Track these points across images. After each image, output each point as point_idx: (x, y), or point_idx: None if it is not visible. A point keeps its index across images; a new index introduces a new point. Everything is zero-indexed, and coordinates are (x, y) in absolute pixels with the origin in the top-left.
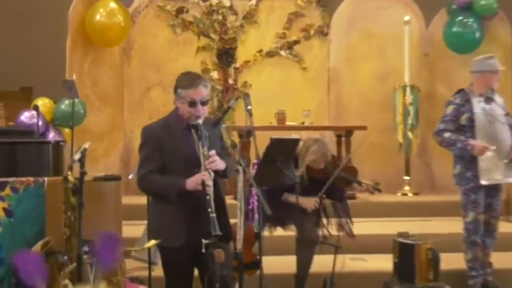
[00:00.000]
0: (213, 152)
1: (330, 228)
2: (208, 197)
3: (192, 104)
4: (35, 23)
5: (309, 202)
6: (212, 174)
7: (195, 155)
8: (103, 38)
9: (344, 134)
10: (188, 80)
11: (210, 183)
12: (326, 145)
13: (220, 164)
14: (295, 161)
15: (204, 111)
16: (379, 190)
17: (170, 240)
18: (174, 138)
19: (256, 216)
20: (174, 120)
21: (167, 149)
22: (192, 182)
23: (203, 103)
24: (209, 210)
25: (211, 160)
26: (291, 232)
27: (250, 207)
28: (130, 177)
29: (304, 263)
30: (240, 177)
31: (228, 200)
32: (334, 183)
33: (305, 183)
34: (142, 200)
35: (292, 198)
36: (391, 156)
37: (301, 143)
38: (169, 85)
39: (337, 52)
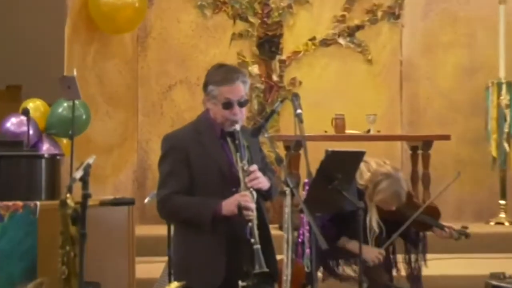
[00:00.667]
0: (254, 167)
1: (400, 267)
2: (250, 223)
3: (227, 105)
4: (25, 5)
5: (371, 254)
6: (255, 194)
7: (233, 170)
8: (111, 23)
9: (421, 145)
10: (222, 74)
11: (252, 205)
12: (399, 181)
13: (264, 182)
14: (359, 196)
15: (242, 115)
16: (467, 236)
17: (203, 279)
18: (205, 149)
19: (308, 251)
20: (205, 126)
21: (197, 163)
22: (230, 205)
23: (241, 104)
24: (252, 240)
25: (253, 176)
26: (351, 271)
27: (299, 239)
28: (146, 201)
29: None
30: (287, 200)
31: (272, 230)
32: (409, 227)
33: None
34: (161, 230)
35: (350, 245)
36: (482, 174)
37: (367, 174)
38: (196, 83)
39: (412, 40)
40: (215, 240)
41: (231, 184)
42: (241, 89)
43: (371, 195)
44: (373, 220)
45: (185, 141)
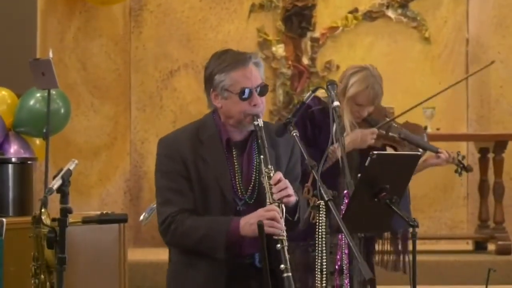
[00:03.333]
0: (279, 174)
1: None
2: (279, 245)
3: (245, 95)
4: None
5: (364, 136)
6: (284, 209)
7: (236, 193)
8: None
9: (493, 147)
10: (230, 58)
11: (282, 222)
12: (376, 77)
13: (294, 196)
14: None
15: (263, 106)
16: (467, 169)
17: None
18: (207, 166)
19: (347, 282)
20: (209, 134)
21: (196, 182)
22: (252, 223)
23: (262, 91)
24: (282, 266)
25: (283, 185)
26: None
27: (336, 266)
28: (141, 218)
29: None
30: (321, 218)
31: None
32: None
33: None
34: (160, 254)
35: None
36: None
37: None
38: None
39: (482, 13)
40: (215, 269)
41: (232, 210)
42: (256, 72)
43: (343, 92)
44: (345, 120)
45: (184, 150)
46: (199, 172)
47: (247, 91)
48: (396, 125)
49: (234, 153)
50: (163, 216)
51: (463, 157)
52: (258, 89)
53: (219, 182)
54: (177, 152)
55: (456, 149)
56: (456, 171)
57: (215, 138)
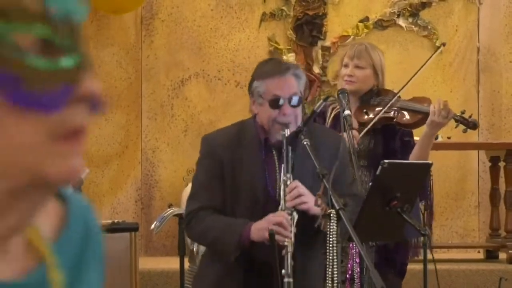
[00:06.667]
0: (295, 183)
1: None
2: (283, 251)
3: (275, 103)
4: None
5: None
6: (296, 216)
7: (270, 196)
8: (109, 0)
9: (504, 155)
10: (269, 66)
11: (287, 229)
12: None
13: (311, 204)
14: None
15: (296, 117)
16: (468, 124)
17: None
18: (242, 166)
19: None
20: (249, 136)
21: (229, 181)
22: (261, 229)
23: (295, 102)
24: (283, 271)
25: (296, 193)
26: None
27: (347, 275)
28: (153, 226)
29: None
30: (332, 227)
31: None
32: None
33: None
34: (172, 263)
35: None
36: None
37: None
38: (217, 76)
39: (493, 21)
40: (235, 272)
41: (264, 212)
42: (293, 83)
43: None
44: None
45: (222, 150)
46: (234, 172)
47: (278, 99)
48: (394, 100)
49: (274, 154)
50: (188, 211)
51: (470, 115)
52: (292, 100)
53: (252, 182)
54: (215, 151)
55: (467, 159)
56: (456, 127)
57: (255, 140)
